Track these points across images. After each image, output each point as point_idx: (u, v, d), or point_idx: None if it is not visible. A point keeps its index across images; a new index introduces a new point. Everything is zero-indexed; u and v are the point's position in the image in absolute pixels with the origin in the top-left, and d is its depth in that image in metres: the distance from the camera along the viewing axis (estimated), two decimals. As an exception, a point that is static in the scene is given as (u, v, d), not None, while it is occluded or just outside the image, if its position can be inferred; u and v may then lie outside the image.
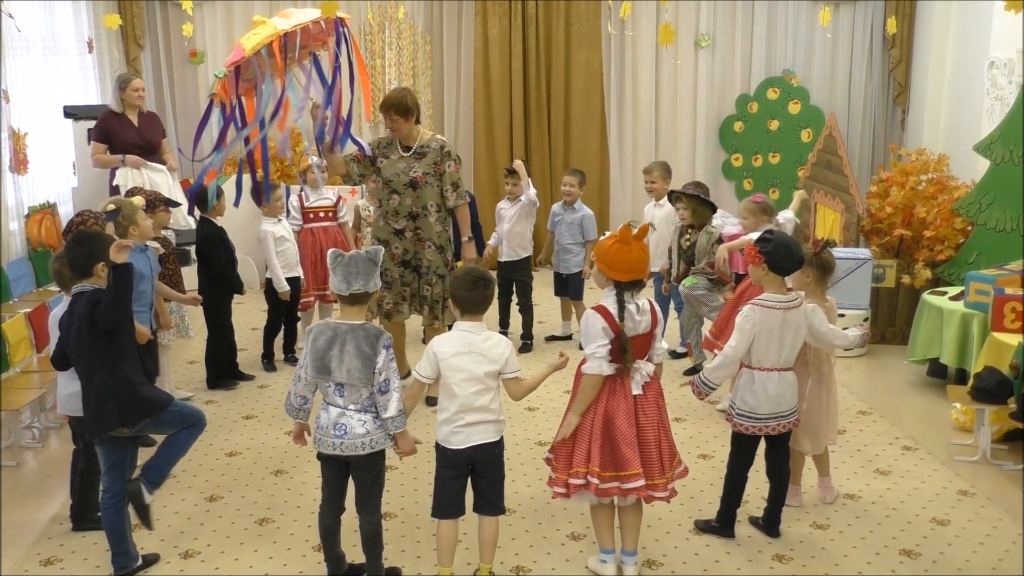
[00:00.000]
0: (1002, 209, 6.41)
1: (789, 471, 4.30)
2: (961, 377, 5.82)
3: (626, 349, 3.64)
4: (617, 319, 3.64)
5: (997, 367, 5.06)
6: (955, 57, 8.26)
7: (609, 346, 3.64)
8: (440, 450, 3.74)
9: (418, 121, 5.72)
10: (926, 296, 6.19)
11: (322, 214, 6.90)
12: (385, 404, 3.62)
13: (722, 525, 4.27)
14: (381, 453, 3.75)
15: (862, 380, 6.41)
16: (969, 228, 6.85)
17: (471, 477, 3.79)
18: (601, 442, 3.70)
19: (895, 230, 7.07)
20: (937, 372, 6.19)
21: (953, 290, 6.14)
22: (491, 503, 3.78)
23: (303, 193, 6.89)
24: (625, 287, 3.68)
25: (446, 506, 3.74)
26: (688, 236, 6.26)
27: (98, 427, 3.82)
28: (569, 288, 7.04)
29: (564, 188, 6.98)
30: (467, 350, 3.65)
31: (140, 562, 4.02)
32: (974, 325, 5.65)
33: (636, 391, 3.72)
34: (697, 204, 6.16)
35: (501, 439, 3.76)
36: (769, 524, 4.27)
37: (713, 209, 6.29)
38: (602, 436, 3.70)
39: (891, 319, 7.04)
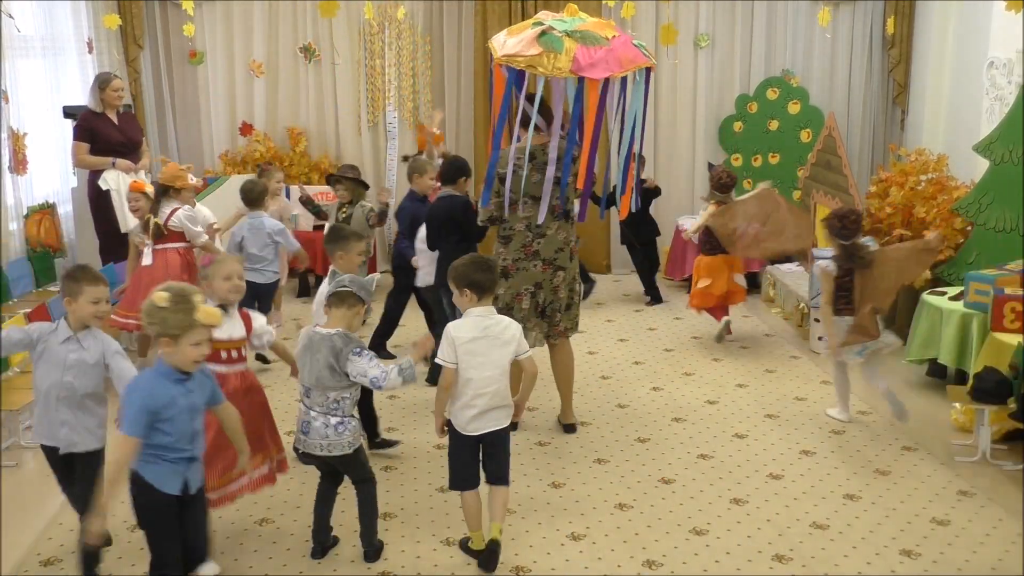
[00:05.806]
0: (1002, 209, 6.40)
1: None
2: (960, 377, 5.81)
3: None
4: None
5: (997, 367, 5.06)
6: (954, 57, 8.25)
7: None
8: (454, 432, 3.93)
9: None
10: (925, 296, 6.18)
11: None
12: (393, 384, 3.77)
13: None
14: (357, 449, 3.93)
15: (862, 380, 6.40)
16: (969, 228, 6.84)
17: (480, 454, 4.00)
18: None
19: (895, 230, 7.06)
20: (936, 372, 6.19)
21: (953, 290, 6.14)
22: (499, 476, 4.00)
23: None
24: None
25: (463, 479, 3.94)
26: (344, 211, 7.00)
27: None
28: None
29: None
30: (483, 334, 3.86)
31: None
32: (974, 325, 5.64)
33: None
34: (352, 184, 7.08)
35: (509, 424, 3.99)
36: None
37: (366, 187, 7.33)
38: None
39: (890, 319, 7.02)
